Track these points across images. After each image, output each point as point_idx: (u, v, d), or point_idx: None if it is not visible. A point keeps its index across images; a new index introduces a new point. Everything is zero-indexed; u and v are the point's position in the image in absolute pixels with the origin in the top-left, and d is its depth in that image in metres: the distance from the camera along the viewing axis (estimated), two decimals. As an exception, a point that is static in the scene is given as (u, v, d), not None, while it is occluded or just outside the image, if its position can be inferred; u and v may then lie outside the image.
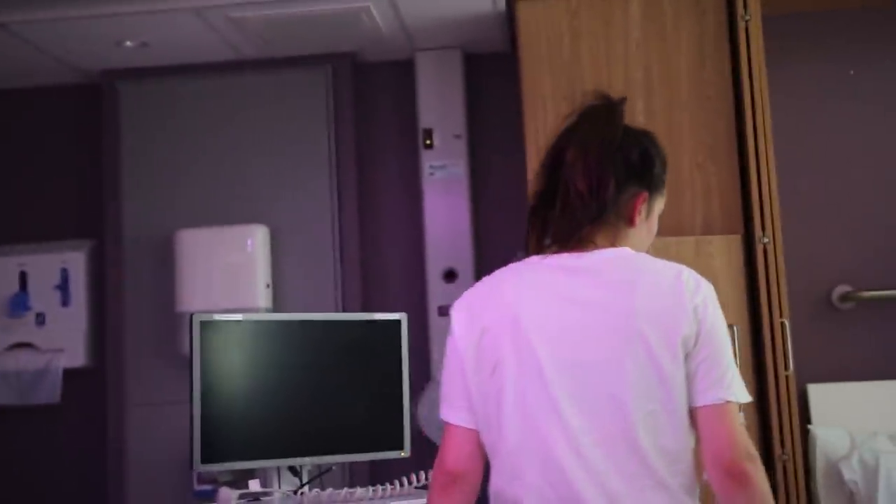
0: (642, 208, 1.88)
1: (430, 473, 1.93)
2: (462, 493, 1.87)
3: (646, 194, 1.89)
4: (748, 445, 1.70)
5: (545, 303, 1.78)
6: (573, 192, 1.81)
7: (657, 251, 3.47)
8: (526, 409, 1.75)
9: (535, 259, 1.86)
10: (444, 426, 1.90)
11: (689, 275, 1.85)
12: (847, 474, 3.71)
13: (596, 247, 1.83)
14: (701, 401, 1.73)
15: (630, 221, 1.88)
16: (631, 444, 1.70)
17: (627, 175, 1.86)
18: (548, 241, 1.85)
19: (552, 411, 1.73)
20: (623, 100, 1.94)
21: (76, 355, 4.31)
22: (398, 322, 3.07)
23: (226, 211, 4.30)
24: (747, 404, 3.49)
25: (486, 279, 1.91)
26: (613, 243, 1.85)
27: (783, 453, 3.57)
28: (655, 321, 1.74)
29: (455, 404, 1.87)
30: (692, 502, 1.77)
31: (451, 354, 1.88)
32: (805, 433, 3.84)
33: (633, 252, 1.86)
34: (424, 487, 2.80)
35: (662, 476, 1.72)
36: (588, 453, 1.71)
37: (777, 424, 3.59)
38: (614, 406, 1.71)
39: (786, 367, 3.61)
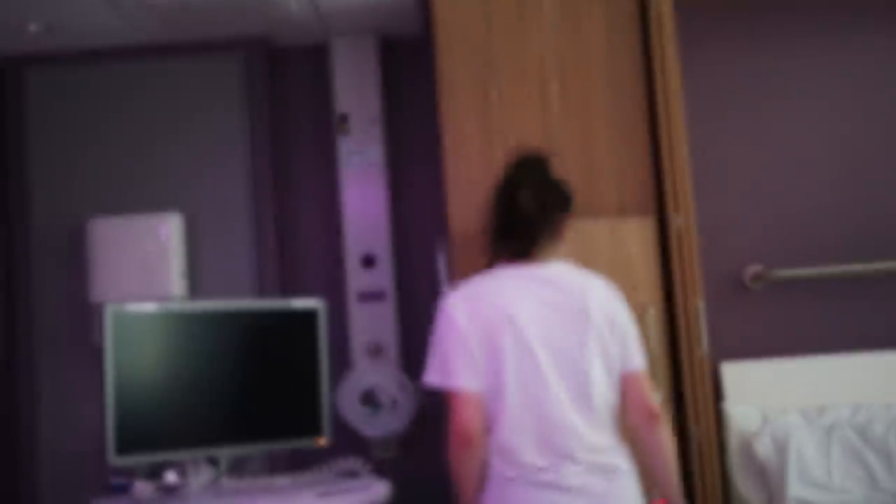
0: (566, 228, 2.61)
1: (450, 439, 2.37)
2: (479, 449, 2.40)
3: (567, 217, 2.61)
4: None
5: (528, 305, 2.47)
6: (529, 219, 2.55)
7: (573, 233, 3.52)
8: (523, 379, 2.42)
9: (505, 269, 2.54)
10: (451, 396, 2.40)
11: (608, 283, 2.67)
12: (759, 450, 3.80)
13: (545, 259, 2.58)
14: (629, 367, 2.55)
15: (560, 238, 2.62)
16: (589, 400, 2.45)
17: (560, 204, 2.61)
18: (505, 256, 2.56)
19: (542, 380, 2.43)
20: (551, 154, 2.68)
21: (-15, 348, 4.21)
22: (315, 310, 3.05)
23: (139, 198, 4.23)
24: (662, 383, 3.56)
25: (472, 284, 2.53)
26: (552, 255, 2.60)
27: (697, 431, 3.64)
28: (602, 315, 2.52)
29: (466, 375, 2.41)
30: (616, 437, 2.54)
31: (455, 338, 2.45)
32: (718, 411, 3.92)
33: (570, 265, 2.62)
34: (345, 474, 2.79)
35: (605, 419, 2.49)
36: (565, 407, 2.43)
37: (692, 403, 3.65)
38: (580, 375, 2.46)
39: (699, 347, 3.67)
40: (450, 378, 2.41)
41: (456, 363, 2.42)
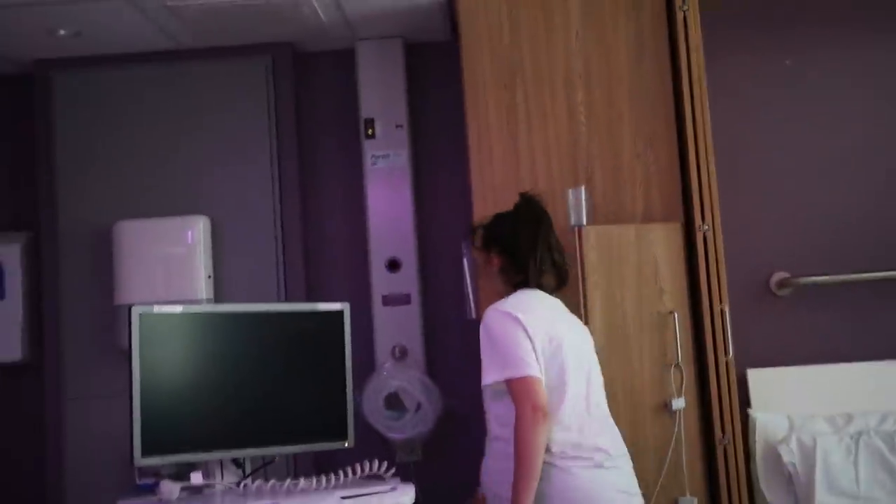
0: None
1: (535, 416, 2.76)
2: (549, 422, 2.82)
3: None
4: None
5: (567, 328, 3.01)
6: (559, 260, 3.11)
7: (600, 238, 3.51)
8: (573, 381, 2.91)
9: (535, 293, 3.03)
10: (527, 382, 2.81)
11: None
12: (786, 457, 3.78)
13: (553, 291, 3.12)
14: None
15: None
16: (598, 403, 2.99)
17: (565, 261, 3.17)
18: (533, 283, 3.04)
19: (585, 382, 2.97)
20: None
21: (13, 350, 4.24)
22: (341, 312, 3.06)
23: (165, 202, 4.25)
24: (688, 389, 3.55)
25: (525, 301, 2.98)
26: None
27: (723, 438, 3.62)
28: (590, 339, 3.13)
29: (534, 366, 2.84)
30: None
31: (522, 338, 2.86)
32: (745, 417, 3.90)
33: None
34: (369, 477, 2.79)
35: (608, 414, 3.03)
36: (593, 404, 2.98)
37: (717, 409, 3.63)
38: (597, 384, 3.03)
39: (726, 353, 3.66)
40: (525, 368, 2.82)
41: (527, 357, 2.84)
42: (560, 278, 3.11)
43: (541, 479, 2.80)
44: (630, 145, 3.85)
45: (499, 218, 3.16)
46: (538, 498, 2.78)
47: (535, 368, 2.84)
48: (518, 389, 2.80)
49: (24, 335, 4.26)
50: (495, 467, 2.91)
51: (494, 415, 2.94)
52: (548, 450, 2.81)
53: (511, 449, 2.77)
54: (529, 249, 3.04)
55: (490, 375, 2.87)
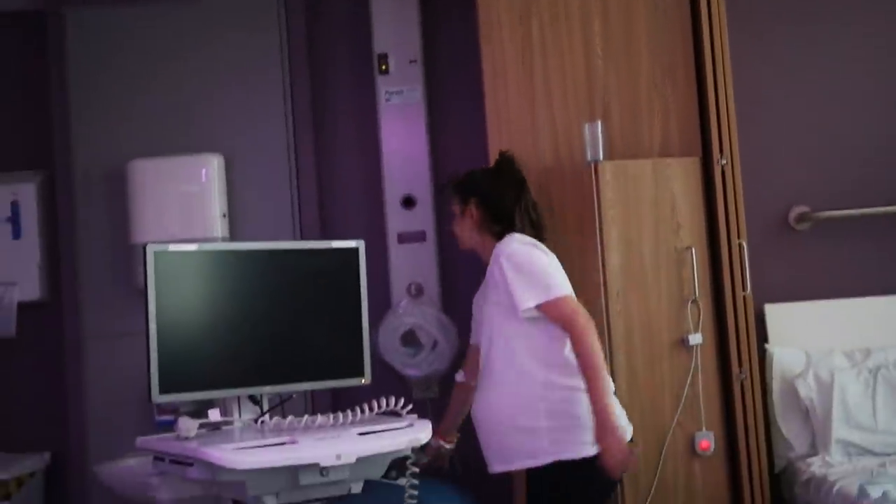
0: None
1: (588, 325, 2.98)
2: None
3: None
4: None
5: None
6: (532, 217, 3.27)
7: (617, 174, 3.48)
8: None
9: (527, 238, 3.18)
10: (569, 299, 3.02)
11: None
12: (803, 392, 3.77)
13: None
14: None
15: None
16: None
17: None
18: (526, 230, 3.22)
19: None
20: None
21: (31, 288, 4.25)
22: (356, 250, 3.05)
23: (179, 140, 4.23)
24: (706, 325, 3.54)
25: (528, 238, 3.15)
26: None
27: (741, 373, 3.62)
28: None
29: (569, 286, 3.06)
30: None
31: (551, 262, 3.09)
32: (762, 353, 3.89)
33: None
34: (386, 414, 2.80)
35: None
36: None
37: (734, 344, 3.63)
38: None
39: (743, 288, 3.64)
40: (566, 287, 3.04)
41: (561, 278, 3.06)
42: (538, 233, 3.25)
43: (570, 403, 2.97)
44: (647, 77, 3.79)
45: (475, 174, 3.34)
46: (571, 421, 2.95)
47: (570, 289, 3.06)
48: (566, 306, 2.99)
49: (42, 274, 4.28)
50: (520, 401, 3.01)
51: (527, 346, 3.03)
52: (575, 376, 2.96)
53: (540, 378, 2.98)
54: (513, 201, 3.23)
55: (530, 300, 2.99)
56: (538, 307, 3.00)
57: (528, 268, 3.04)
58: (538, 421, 2.98)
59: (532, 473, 3.03)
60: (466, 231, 3.30)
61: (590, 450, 2.92)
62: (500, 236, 3.19)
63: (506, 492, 3.66)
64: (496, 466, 3.10)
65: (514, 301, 3.02)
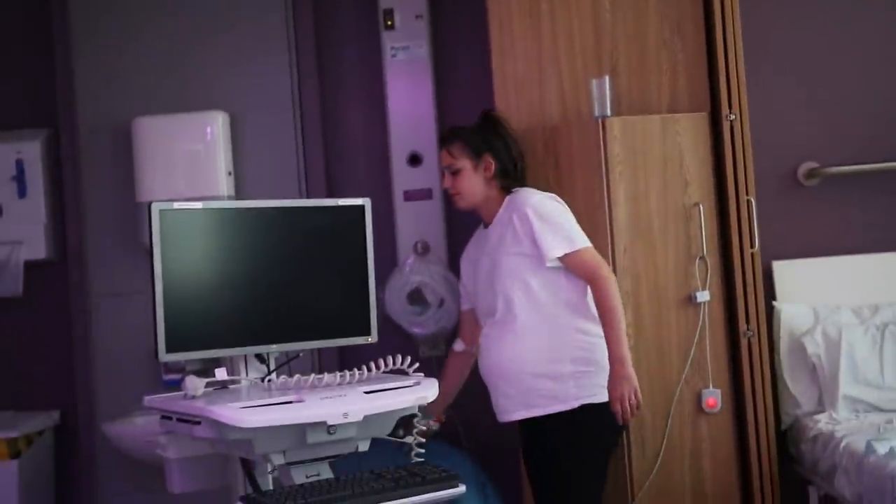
0: None
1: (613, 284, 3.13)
2: None
3: None
4: None
5: None
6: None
7: (625, 130, 3.45)
8: None
9: None
10: (592, 249, 3.16)
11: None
12: (810, 348, 3.77)
13: None
14: None
15: None
16: None
17: None
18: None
19: None
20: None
21: (37, 247, 4.25)
22: (362, 207, 3.03)
23: (184, 98, 4.20)
24: (713, 282, 3.53)
25: (552, 195, 3.25)
26: None
27: (748, 330, 3.61)
28: None
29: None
30: None
31: (571, 216, 3.20)
32: (770, 310, 3.88)
33: None
34: (392, 372, 2.80)
35: None
36: None
37: (743, 301, 3.62)
38: None
39: (751, 245, 3.62)
40: (586, 240, 3.15)
41: (580, 231, 3.16)
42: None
43: (593, 349, 3.12)
44: (656, 32, 3.75)
45: (478, 128, 3.35)
46: (594, 367, 3.11)
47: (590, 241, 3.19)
48: (591, 257, 3.12)
49: (48, 233, 4.27)
50: (548, 346, 3.14)
51: (554, 294, 3.15)
52: (598, 323, 3.09)
53: (568, 326, 3.13)
54: (518, 156, 3.33)
55: (557, 249, 3.10)
56: (563, 258, 3.11)
57: (556, 218, 3.14)
58: (565, 366, 3.12)
59: (547, 421, 3.13)
60: (476, 186, 3.29)
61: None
62: (507, 191, 3.27)
63: (508, 455, 3.67)
64: (516, 414, 3.18)
65: (541, 250, 3.11)
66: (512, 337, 3.18)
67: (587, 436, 3.12)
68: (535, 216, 3.13)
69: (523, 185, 3.32)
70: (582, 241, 3.13)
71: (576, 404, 3.11)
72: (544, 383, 3.13)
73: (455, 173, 3.30)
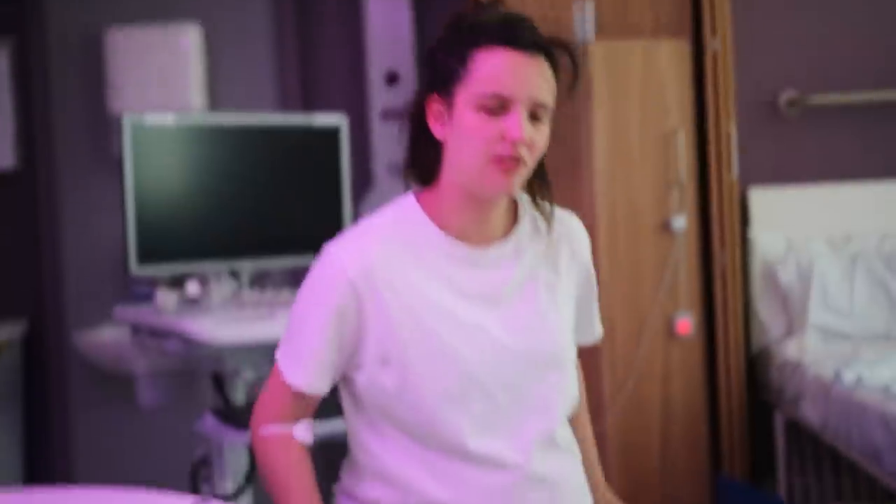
0: None
1: None
2: None
3: None
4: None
5: None
6: None
7: (606, 55, 3.40)
8: None
9: None
10: None
11: None
12: (783, 277, 3.78)
13: None
14: None
15: None
16: None
17: None
18: None
19: None
20: None
21: (4, 157, 4.17)
22: (337, 126, 2.99)
23: (157, 8, 4.10)
24: (690, 209, 3.52)
25: None
26: None
27: (722, 256, 3.62)
28: None
29: None
30: None
31: None
32: (744, 237, 3.88)
33: None
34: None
35: None
36: None
37: (718, 228, 3.62)
38: None
39: (729, 172, 3.61)
40: None
41: None
42: None
43: None
44: (640, -46, 3.68)
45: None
46: None
47: None
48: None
49: (16, 143, 4.19)
50: None
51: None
52: None
53: None
54: None
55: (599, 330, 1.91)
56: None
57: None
58: None
59: None
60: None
61: None
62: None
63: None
64: None
65: (591, 324, 1.84)
66: (582, 478, 1.76)
67: None
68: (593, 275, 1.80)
69: None
70: None
71: None
72: None
73: (537, 119, 1.65)
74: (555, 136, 1.84)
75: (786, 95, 4.02)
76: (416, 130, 1.66)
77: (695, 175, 3.61)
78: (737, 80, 3.64)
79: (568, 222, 1.75)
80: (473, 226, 1.62)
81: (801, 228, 3.92)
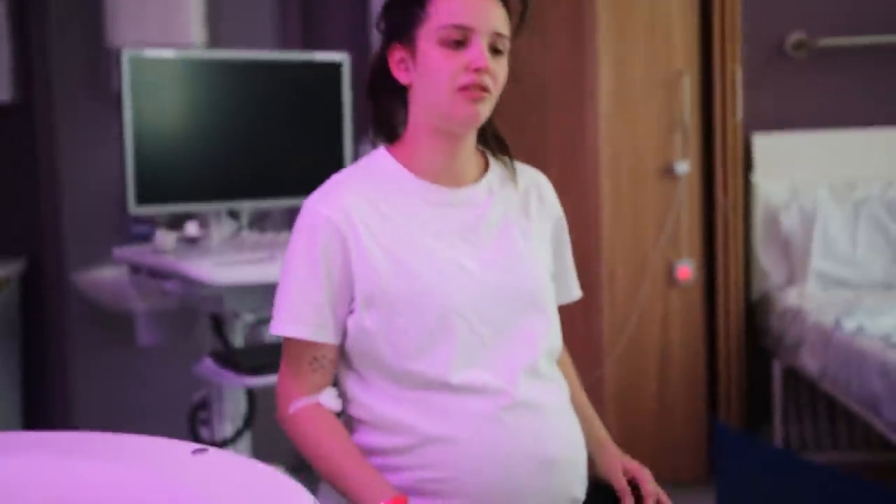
0: None
1: None
2: None
3: None
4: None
5: None
6: None
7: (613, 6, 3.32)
8: None
9: None
10: None
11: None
12: (785, 223, 3.76)
13: None
14: None
15: None
16: None
17: None
18: None
19: None
20: None
21: (1, 89, 4.12)
22: (339, 63, 2.95)
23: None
24: (693, 153, 3.49)
25: None
26: None
27: (725, 203, 3.59)
28: None
29: None
30: None
31: None
32: (747, 184, 3.86)
33: None
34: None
35: None
36: None
37: (721, 173, 3.59)
38: None
39: (734, 116, 3.57)
40: None
41: None
42: None
43: None
44: None
45: None
46: None
47: None
48: None
49: (13, 76, 4.13)
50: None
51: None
52: None
53: None
54: None
55: (577, 290, 1.89)
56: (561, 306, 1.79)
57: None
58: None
59: None
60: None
61: None
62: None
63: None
64: None
65: (568, 282, 1.82)
66: (567, 405, 1.73)
67: None
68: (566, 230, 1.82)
69: None
70: None
71: None
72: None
73: (497, 53, 1.63)
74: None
75: (793, 38, 3.97)
76: (380, 87, 1.72)
77: (699, 119, 3.57)
78: (743, 21, 3.59)
79: (534, 175, 1.79)
80: (445, 166, 1.66)
81: (804, 175, 3.89)
